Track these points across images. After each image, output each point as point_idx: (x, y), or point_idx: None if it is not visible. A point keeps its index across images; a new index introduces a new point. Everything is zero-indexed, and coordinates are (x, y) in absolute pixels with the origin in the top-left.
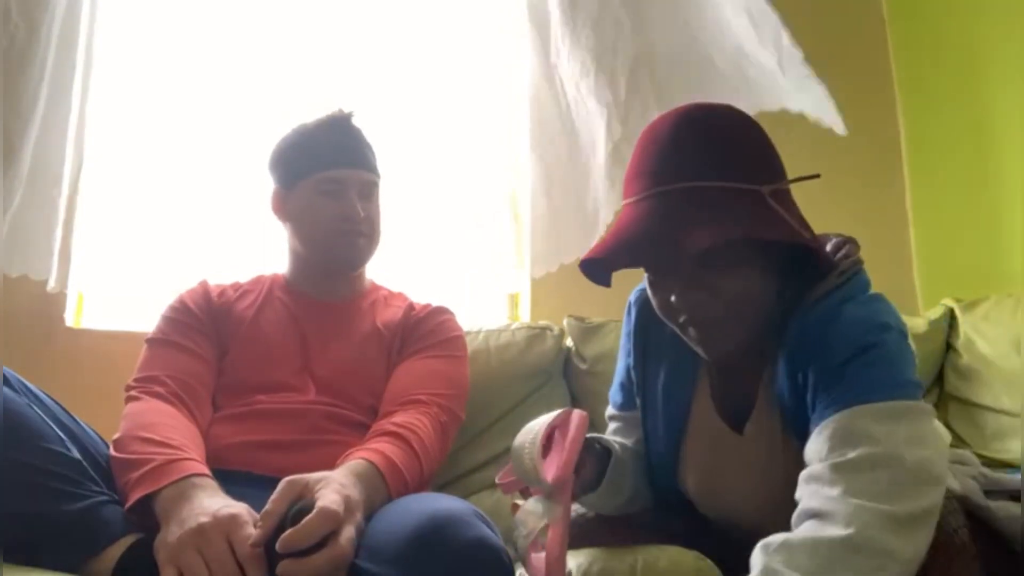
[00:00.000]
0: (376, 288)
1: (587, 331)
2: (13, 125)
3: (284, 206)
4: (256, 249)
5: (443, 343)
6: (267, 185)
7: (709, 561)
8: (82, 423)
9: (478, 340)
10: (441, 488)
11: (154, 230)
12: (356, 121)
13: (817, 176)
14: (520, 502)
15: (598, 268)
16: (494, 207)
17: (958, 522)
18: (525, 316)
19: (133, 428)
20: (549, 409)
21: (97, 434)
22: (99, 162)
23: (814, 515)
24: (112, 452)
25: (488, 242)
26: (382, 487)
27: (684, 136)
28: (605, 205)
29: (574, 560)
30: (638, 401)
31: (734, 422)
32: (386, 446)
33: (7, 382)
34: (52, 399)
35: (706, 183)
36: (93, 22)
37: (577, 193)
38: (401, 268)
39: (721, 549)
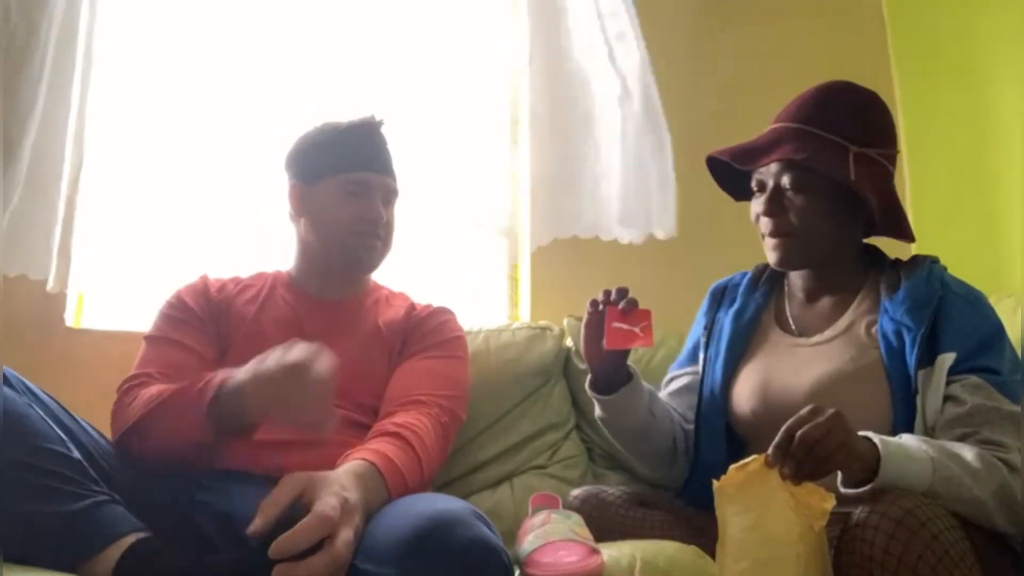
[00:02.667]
0: (378, 288)
1: None
2: (12, 124)
3: (302, 201)
4: (256, 249)
5: (444, 344)
6: (278, 181)
7: (709, 558)
8: (82, 422)
9: (478, 340)
10: (441, 488)
11: (154, 230)
12: (384, 130)
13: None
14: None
15: (723, 170)
16: (493, 204)
17: (956, 535)
18: (525, 316)
19: (143, 402)
20: (549, 409)
21: (98, 432)
22: (99, 162)
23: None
24: (140, 418)
25: (487, 241)
26: (382, 488)
27: (817, 95)
28: (608, 176)
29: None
30: (703, 349)
31: (802, 333)
32: (386, 446)
33: (7, 382)
34: (52, 399)
35: (810, 128)
36: (92, 21)
37: (577, 166)
38: (400, 268)
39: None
